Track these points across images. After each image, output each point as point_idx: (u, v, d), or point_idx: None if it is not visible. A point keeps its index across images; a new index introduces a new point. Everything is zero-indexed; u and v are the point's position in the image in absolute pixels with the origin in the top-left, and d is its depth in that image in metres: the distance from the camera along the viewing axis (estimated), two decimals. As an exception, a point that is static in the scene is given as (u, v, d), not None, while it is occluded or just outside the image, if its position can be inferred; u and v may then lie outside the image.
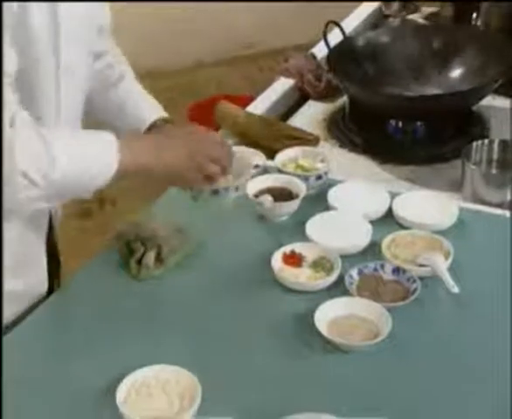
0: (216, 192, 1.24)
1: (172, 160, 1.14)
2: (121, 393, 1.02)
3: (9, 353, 1.09)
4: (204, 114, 2.07)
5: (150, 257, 1.25)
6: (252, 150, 1.59)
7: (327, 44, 1.80)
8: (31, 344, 1.15)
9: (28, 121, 1.02)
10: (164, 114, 1.33)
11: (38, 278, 1.24)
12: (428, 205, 1.42)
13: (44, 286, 1.25)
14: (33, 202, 1.04)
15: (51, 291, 1.26)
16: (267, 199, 1.40)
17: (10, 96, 1.01)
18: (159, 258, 1.27)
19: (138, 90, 1.34)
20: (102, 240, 1.38)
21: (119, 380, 1.04)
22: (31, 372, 1.10)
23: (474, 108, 1.71)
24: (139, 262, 1.26)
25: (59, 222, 1.32)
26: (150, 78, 3.91)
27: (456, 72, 1.73)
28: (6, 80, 1.00)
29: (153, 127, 1.29)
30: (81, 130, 1.17)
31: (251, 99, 1.85)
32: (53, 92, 1.10)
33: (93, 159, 1.07)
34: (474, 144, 1.54)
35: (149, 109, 1.32)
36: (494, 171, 1.55)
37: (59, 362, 1.11)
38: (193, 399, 1.02)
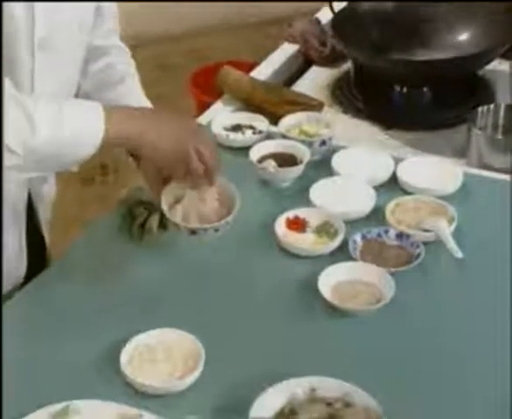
0: (193, 232, 1.11)
1: (159, 138, 1.06)
2: (125, 357, 1.03)
3: (10, 322, 1.09)
4: (209, 80, 2.05)
5: (154, 221, 1.25)
6: (255, 115, 1.58)
7: (331, 8, 1.78)
8: (31, 313, 1.15)
9: (8, 88, 0.99)
10: None
11: (15, 262, 1.21)
12: (432, 171, 1.41)
13: (21, 270, 1.23)
14: (14, 170, 1.00)
15: (34, 273, 1.22)
16: (271, 164, 1.40)
17: None
18: (162, 223, 1.27)
19: (137, 95, 1.28)
20: (104, 208, 1.38)
21: (122, 345, 1.04)
22: (32, 340, 1.10)
23: (480, 73, 1.70)
24: (142, 226, 1.25)
25: (51, 198, 1.30)
26: (157, 43, 3.91)
27: (462, 37, 1.70)
28: None
29: None
30: (67, 99, 1.13)
31: (254, 66, 1.84)
32: (28, 67, 1.07)
33: (77, 128, 1.01)
34: (480, 109, 1.53)
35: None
36: (499, 136, 1.54)
37: (61, 329, 1.12)
38: (196, 363, 1.02)
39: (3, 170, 1.00)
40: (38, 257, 1.28)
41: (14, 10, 1.02)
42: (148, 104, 1.27)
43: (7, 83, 1.00)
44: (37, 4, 1.05)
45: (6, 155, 0.97)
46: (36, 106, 0.99)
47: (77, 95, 1.26)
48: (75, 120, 1.02)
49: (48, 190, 1.28)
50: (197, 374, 1.01)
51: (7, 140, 0.96)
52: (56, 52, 1.11)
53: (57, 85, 1.14)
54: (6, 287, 1.20)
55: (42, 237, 1.30)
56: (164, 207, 1.12)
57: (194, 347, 1.04)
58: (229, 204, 1.14)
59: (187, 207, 1.12)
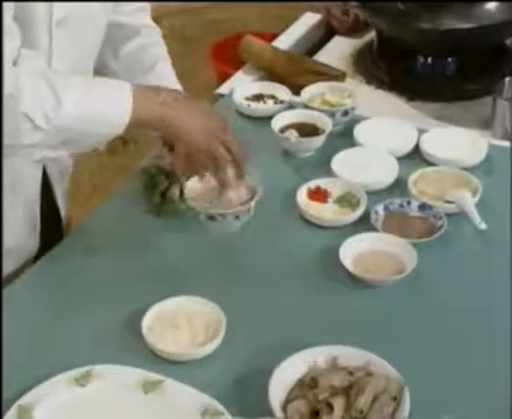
0: (212, 218, 1.09)
1: (187, 127, 1.05)
2: (146, 323, 1.03)
3: (30, 291, 1.10)
4: (229, 52, 2.04)
5: (175, 189, 1.25)
6: (277, 85, 1.57)
7: (355, -22, 1.75)
8: (52, 282, 1.16)
9: (38, 64, 0.99)
10: None
11: (29, 236, 1.21)
12: (457, 142, 1.39)
13: (35, 244, 1.22)
14: (37, 148, 0.99)
15: (50, 245, 1.21)
16: (293, 134, 1.39)
17: (11, 25, 0.96)
18: (183, 193, 1.26)
19: (167, 81, 1.24)
20: (125, 178, 1.38)
21: (143, 313, 1.05)
22: (55, 305, 1.11)
23: (507, 43, 1.67)
24: (163, 195, 1.25)
25: (67, 173, 1.29)
26: (175, 15, 3.88)
27: (489, 5, 1.67)
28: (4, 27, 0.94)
29: None
30: (98, 80, 1.10)
31: (276, 37, 1.82)
32: (46, 44, 1.06)
33: (104, 108, 1.00)
34: (507, 79, 1.50)
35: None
36: (525, 108, 1.51)
37: (83, 296, 1.12)
38: (217, 331, 1.02)
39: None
40: (54, 229, 1.28)
41: None
42: (178, 88, 1.25)
43: (38, 60, 1.00)
44: None
45: (30, 132, 0.96)
46: (64, 84, 0.98)
47: (105, 75, 1.25)
48: (102, 100, 1.01)
49: (63, 167, 1.27)
50: (217, 342, 1.02)
51: (33, 115, 0.95)
52: (74, 31, 1.09)
53: (74, 60, 1.13)
54: (19, 261, 1.20)
55: (57, 210, 1.29)
56: (188, 197, 1.11)
57: (215, 315, 1.04)
58: (251, 192, 1.12)
59: (208, 192, 1.11)
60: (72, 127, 0.99)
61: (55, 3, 1.04)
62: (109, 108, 1.01)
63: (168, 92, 1.07)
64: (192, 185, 1.14)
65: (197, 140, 1.05)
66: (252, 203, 1.10)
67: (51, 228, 1.27)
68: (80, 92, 0.99)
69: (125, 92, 1.02)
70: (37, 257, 1.22)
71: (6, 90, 0.94)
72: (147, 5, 1.30)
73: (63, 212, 1.30)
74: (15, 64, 0.97)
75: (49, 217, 1.25)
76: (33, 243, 1.23)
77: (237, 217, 1.09)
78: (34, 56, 1.01)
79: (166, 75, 1.27)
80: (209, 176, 1.10)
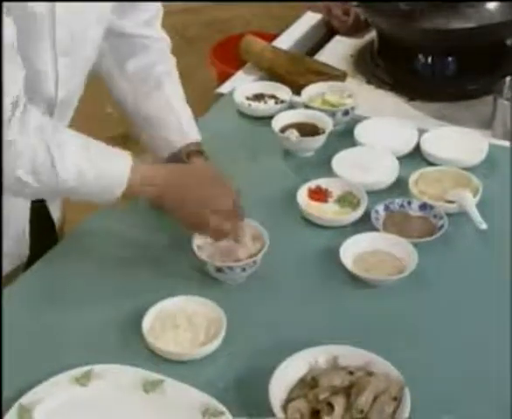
0: (219, 270, 1.11)
1: (180, 202, 1.09)
2: (147, 323, 1.03)
3: (30, 291, 1.10)
4: (230, 52, 2.04)
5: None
6: (278, 85, 1.57)
7: (356, -22, 1.76)
8: (53, 279, 1.16)
9: (41, 121, 1.00)
10: (198, 137, 1.23)
11: (19, 240, 1.20)
12: (457, 142, 1.40)
13: (25, 248, 1.22)
14: (32, 196, 1.04)
15: (43, 249, 1.21)
16: (293, 134, 1.39)
17: (13, 73, 0.95)
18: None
19: (171, 104, 1.23)
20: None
21: (143, 312, 1.05)
22: (55, 305, 1.11)
23: (508, 42, 1.67)
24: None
25: None
26: (177, 14, 3.87)
27: (489, 5, 1.67)
28: (8, 54, 0.94)
29: (184, 154, 1.20)
30: (96, 144, 1.06)
31: (277, 37, 1.82)
32: (51, 70, 1.06)
33: (101, 181, 1.03)
34: (507, 79, 1.50)
35: (181, 134, 1.22)
36: (526, 108, 1.51)
37: (83, 296, 1.12)
38: (218, 330, 1.02)
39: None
40: (47, 233, 1.27)
41: (36, 8, 0.99)
42: (183, 110, 1.24)
43: (44, 118, 1.01)
44: (58, 4, 1.01)
45: (20, 191, 1.00)
46: (63, 154, 1.00)
47: (112, 91, 1.25)
48: (98, 182, 1.03)
49: None
50: (218, 341, 1.02)
51: (26, 180, 0.98)
52: (76, 51, 1.09)
53: (79, 89, 1.14)
54: (10, 265, 1.19)
55: (50, 217, 1.28)
56: (194, 246, 1.13)
57: (216, 315, 1.04)
58: (259, 242, 1.14)
59: (216, 245, 1.13)
60: (66, 194, 1.04)
61: (57, 38, 1.03)
62: (106, 183, 1.04)
63: (163, 169, 1.11)
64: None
65: (186, 214, 1.10)
66: (259, 256, 1.12)
67: (45, 231, 1.27)
68: (79, 167, 1.01)
69: (124, 164, 1.04)
70: (31, 261, 1.21)
71: (9, 137, 0.95)
72: (156, 14, 1.25)
73: (56, 215, 1.29)
74: (19, 101, 0.97)
75: (41, 221, 1.25)
76: (23, 247, 1.22)
77: (243, 269, 1.11)
78: (40, 114, 1.02)
79: (170, 98, 1.24)
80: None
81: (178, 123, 1.22)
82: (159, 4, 1.25)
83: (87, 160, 1.02)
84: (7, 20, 0.93)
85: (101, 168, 1.03)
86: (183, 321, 1.04)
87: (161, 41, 1.27)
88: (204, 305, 1.06)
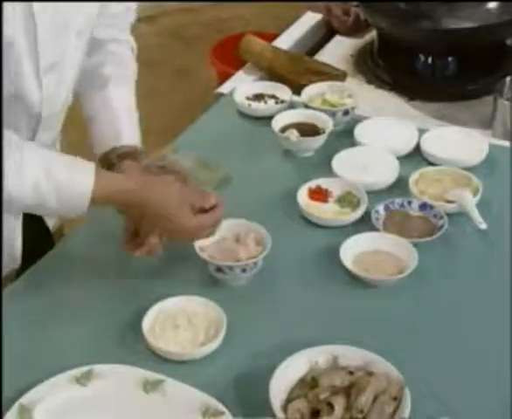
0: (220, 269, 1.11)
1: (143, 213, 1.05)
2: (147, 323, 1.04)
3: (30, 293, 1.10)
4: (230, 52, 2.04)
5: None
6: (278, 85, 1.57)
7: (356, -23, 1.76)
8: (53, 278, 1.15)
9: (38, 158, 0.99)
10: (135, 143, 1.18)
11: (10, 251, 1.18)
12: (457, 142, 1.40)
13: (16, 260, 1.20)
14: None
15: (39, 255, 1.20)
16: (293, 134, 1.39)
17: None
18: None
19: (116, 106, 1.19)
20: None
21: (144, 313, 1.05)
22: (56, 305, 1.11)
23: (508, 42, 1.67)
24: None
25: None
26: (176, 14, 3.89)
27: (489, 5, 1.68)
28: None
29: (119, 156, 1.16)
30: (62, 157, 1.04)
31: (277, 37, 1.82)
32: (36, 91, 1.05)
33: (63, 199, 1.00)
34: (508, 79, 1.51)
35: (114, 133, 1.17)
36: (526, 107, 1.51)
37: (83, 296, 1.12)
38: (218, 330, 1.02)
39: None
40: (43, 241, 1.26)
41: (14, 39, 0.98)
42: (124, 112, 1.20)
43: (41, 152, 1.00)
44: (40, 34, 1.00)
45: None
46: (27, 167, 0.97)
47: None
48: (61, 193, 1.00)
49: None
50: (218, 341, 1.02)
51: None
52: (61, 71, 1.07)
53: (63, 104, 1.13)
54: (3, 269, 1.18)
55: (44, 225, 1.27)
56: (195, 245, 1.12)
57: (216, 314, 1.04)
58: (261, 244, 1.14)
59: (217, 245, 1.13)
60: (28, 210, 1.04)
61: (41, 53, 1.02)
62: (68, 199, 1.00)
63: (127, 180, 1.06)
64: None
65: (150, 225, 1.07)
66: (260, 257, 1.12)
67: (41, 237, 1.25)
68: (37, 188, 0.98)
69: (86, 179, 1.00)
70: (29, 264, 1.19)
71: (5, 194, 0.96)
72: (124, 16, 1.22)
73: (50, 222, 1.28)
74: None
75: (35, 228, 1.23)
76: (13, 259, 1.20)
77: (244, 270, 1.11)
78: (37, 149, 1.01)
79: (116, 100, 1.20)
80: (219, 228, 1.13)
81: (113, 123, 1.18)
82: (132, 6, 1.22)
83: (47, 180, 0.98)
84: None
85: (61, 186, 0.99)
86: (183, 321, 1.04)
87: (121, 43, 1.23)
88: (205, 305, 1.06)
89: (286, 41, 1.78)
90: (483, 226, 1.20)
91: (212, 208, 1.08)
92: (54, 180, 0.99)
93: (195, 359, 1.01)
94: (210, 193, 1.10)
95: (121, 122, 1.19)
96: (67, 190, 1.00)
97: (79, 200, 1.01)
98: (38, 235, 1.26)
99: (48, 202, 1.00)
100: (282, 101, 1.53)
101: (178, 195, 1.06)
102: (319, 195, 1.28)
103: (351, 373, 0.94)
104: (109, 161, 1.16)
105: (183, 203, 1.06)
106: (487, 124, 1.49)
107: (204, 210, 1.08)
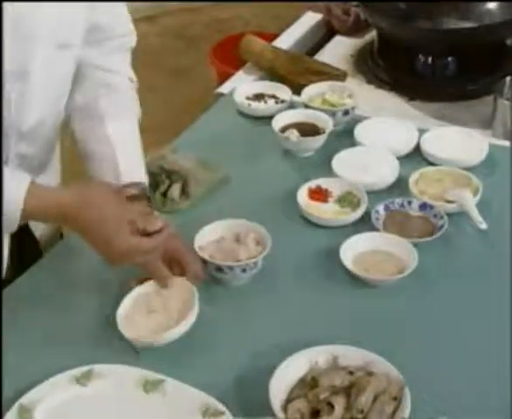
0: (219, 269, 1.10)
1: (82, 234, 1.00)
2: (122, 311, 1.03)
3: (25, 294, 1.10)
4: (230, 52, 2.04)
5: (176, 189, 1.25)
6: (278, 84, 1.57)
7: (356, -23, 1.76)
8: (53, 278, 1.16)
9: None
10: (137, 180, 1.11)
11: None
12: (457, 141, 1.40)
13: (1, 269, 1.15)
14: None
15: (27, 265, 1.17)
16: (293, 134, 1.39)
17: None
18: (184, 192, 1.27)
19: (115, 144, 1.12)
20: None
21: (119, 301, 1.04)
22: (55, 305, 1.11)
23: (508, 42, 1.67)
24: (164, 195, 1.26)
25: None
26: (177, 14, 3.88)
27: (489, 5, 1.68)
28: None
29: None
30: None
31: (277, 37, 1.82)
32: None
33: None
34: (508, 79, 1.50)
35: (114, 173, 1.10)
36: (526, 107, 1.51)
37: (83, 296, 1.12)
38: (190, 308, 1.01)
39: None
40: (31, 250, 1.23)
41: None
42: (124, 147, 1.12)
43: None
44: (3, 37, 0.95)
45: None
46: None
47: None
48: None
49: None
50: (190, 320, 1.00)
51: None
52: (26, 80, 1.02)
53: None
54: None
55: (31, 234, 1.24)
56: (195, 245, 1.12)
57: (189, 295, 1.03)
58: (261, 245, 1.14)
59: (217, 245, 1.13)
60: None
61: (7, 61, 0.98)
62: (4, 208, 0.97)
63: (61, 196, 1.00)
64: (203, 234, 1.15)
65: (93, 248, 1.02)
66: (260, 257, 1.11)
67: (29, 247, 1.23)
68: None
69: (17, 194, 0.97)
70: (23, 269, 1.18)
71: None
72: (124, 46, 1.18)
73: (38, 233, 1.24)
74: None
75: (23, 238, 1.20)
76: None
77: (244, 270, 1.10)
78: None
79: (114, 136, 1.12)
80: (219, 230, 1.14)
81: (113, 161, 1.11)
82: (133, 38, 1.18)
83: None
84: None
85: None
86: (157, 305, 1.04)
87: (117, 75, 1.17)
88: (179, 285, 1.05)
89: (286, 41, 1.78)
90: (483, 226, 1.20)
91: (157, 232, 1.02)
92: None
93: (164, 343, 1.00)
94: (157, 217, 1.05)
95: (122, 160, 1.11)
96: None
97: (10, 207, 0.96)
98: (26, 244, 1.22)
99: None
100: (282, 101, 1.53)
101: (117, 213, 1.00)
102: (319, 195, 1.28)
103: (351, 373, 0.94)
104: None
105: (121, 221, 0.99)
106: (487, 124, 1.49)
107: (146, 234, 1.01)
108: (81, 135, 1.14)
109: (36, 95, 1.05)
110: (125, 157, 1.11)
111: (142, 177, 1.12)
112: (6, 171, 0.99)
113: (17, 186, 0.98)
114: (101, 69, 1.15)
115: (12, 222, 0.99)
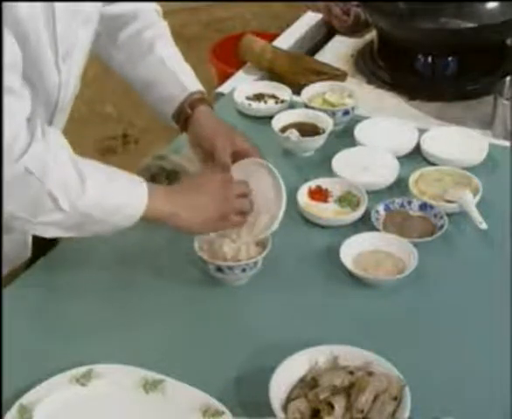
0: (219, 269, 1.10)
1: (191, 221, 1.08)
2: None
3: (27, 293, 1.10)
4: (230, 52, 2.04)
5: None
6: (278, 84, 1.57)
7: (356, -23, 1.76)
8: (53, 277, 1.16)
9: (67, 152, 1.00)
10: (200, 88, 1.25)
11: (21, 244, 1.19)
12: (457, 141, 1.40)
13: (26, 252, 1.21)
14: (53, 227, 1.00)
15: (43, 252, 1.20)
16: (293, 134, 1.39)
17: (18, 88, 0.96)
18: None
19: (168, 62, 1.25)
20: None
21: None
22: (55, 305, 1.11)
23: (508, 42, 1.67)
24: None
25: None
26: (175, 14, 3.86)
27: (489, 5, 1.68)
28: (9, 82, 0.93)
29: (186, 108, 1.23)
30: (116, 170, 1.07)
31: (277, 37, 1.82)
32: (56, 78, 1.06)
33: (122, 200, 1.03)
34: (508, 79, 1.50)
35: (179, 87, 1.23)
36: (526, 107, 1.51)
37: (83, 295, 1.12)
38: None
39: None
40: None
41: (38, 30, 0.99)
42: (178, 66, 1.26)
43: (67, 150, 1.00)
44: (58, 23, 1.01)
45: (51, 211, 0.98)
46: (89, 170, 1.00)
47: (112, 67, 1.26)
48: (121, 193, 1.03)
49: None
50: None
51: (57, 195, 0.97)
52: (73, 58, 1.08)
53: (74, 87, 1.14)
54: (8, 266, 1.18)
55: None
56: (196, 245, 1.13)
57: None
58: (261, 245, 1.13)
59: (217, 245, 1.13)
60: (92, 213, 1.01)
61: (59, 41, 1.03)
62: (127, 202, 1.03)
63: (175, 191, 1.10)
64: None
65: (199, 230, 1.11)
66: (260, 257, 1.12)
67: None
68: (102, 182, 1.01)
69: (141, 188, 1.04)
70: (32, 262, 1.20)
71: (28, 164, 0.95)
72: None
73: None
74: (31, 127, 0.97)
75: None
76: (25, 251, 1.21)
77: (243, 270, 1.10)
78: (59, 134, 1.02)
79: (165, 58, 1.25)
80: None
81: (174, 78, 1.24)
82: None
83: (108, 175, 1.02)
84: (9, 39, 0.93)
85: (122, 188, 1.03)
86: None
87: (150, 11, 1.28)
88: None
89: (286, 41, 1.78)
90: (483, 226, 1.20)
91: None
92: (114, 188, 1.02)
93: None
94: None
95: (181, 75, 1.24)
96: (125, 196, 1.03)
97: (127, 221, 1.04)
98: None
99: (109, 207, 1.02)
100: (282, 101, 1.53)
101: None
102: (319, 195, 1.28)
103: (351, 373, 0.94)
104: (185, 115, 1.23)
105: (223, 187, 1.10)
106: (487, 124, 1.49)
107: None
108: (135, 71, 1.25)
109: (75, 72, 1.11)
110: (183, 71, 1.25)
111: (200, 86, 1.26)
112: (121, 174, 1.05)
113: (139, 191, 1.04)
114: (134, 10, 1.25)
115: (122, 226, 1.04)
